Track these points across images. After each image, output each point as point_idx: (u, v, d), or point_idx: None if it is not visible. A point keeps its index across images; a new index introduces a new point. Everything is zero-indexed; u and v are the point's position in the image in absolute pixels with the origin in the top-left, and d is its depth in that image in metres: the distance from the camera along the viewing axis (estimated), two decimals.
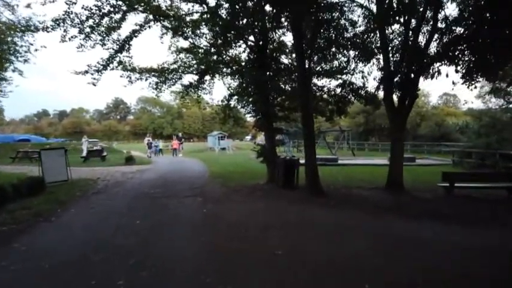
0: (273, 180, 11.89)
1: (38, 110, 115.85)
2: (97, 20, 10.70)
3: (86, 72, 11.61)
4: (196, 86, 14.86)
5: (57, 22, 10.40)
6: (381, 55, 12.69)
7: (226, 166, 20.01)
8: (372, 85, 13.64)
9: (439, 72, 11.28)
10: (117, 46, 11.58)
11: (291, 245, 5.62)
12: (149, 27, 11.66)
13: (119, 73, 13.36)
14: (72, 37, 10.62)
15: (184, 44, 13.74)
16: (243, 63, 12.87)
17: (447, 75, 10.94)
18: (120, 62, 12.16)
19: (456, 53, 9.68)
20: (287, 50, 13.63)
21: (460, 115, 43.82)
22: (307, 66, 10.98)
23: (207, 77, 14.76)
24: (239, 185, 12.21)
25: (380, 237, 6.21)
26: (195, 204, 8.92)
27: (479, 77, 10.48)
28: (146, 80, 14.20)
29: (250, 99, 12.60)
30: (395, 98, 11.71)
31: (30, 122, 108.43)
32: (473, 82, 10.62)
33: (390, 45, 11.54)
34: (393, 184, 10.61)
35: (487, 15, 8.93)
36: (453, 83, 10.58)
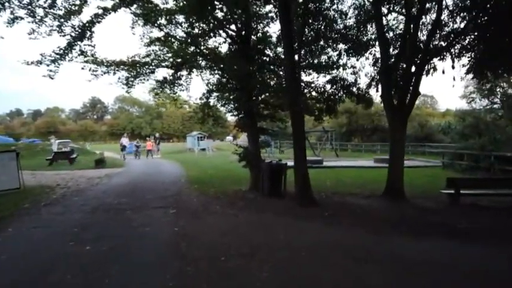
0: (256, 187, 10.57)
1: (11, 109, 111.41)
2: (50, 1, 9.10)
3: (40, 62, 9.97)
4: (171, 82, 13.39)
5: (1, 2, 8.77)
6: (375, 48, 11.66)
7: (206, 169, 18.58)
8: (364, 82, 12.02)
9: (434, 69, 10.29)
10: (77, 33, 9.99)
11: (281, 280, 4.29)
12: (114, 11, 10.11)
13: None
14: (17, 18, 8.98)
15: (158, 34, 12.19)
16: (224, 56, 11.48)
17: (443, 72, 9.96)
18: (81, 52, 10.56)
19: (464, 44, 8.61)
20: (272, 43, 12.33)
21: (438, 116, 43.61)
22: (296, 59, 9.76)
23: (184, 72, 13.31)
24: (219, 192, 10.82)
25: (389, 262, 4.96)
26: (165, 218, 7.47)
27: (488, 71, 9.52)
28: (114, 74, 12.64)
29: (232, 96, 11.24)
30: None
31: (2, 121, 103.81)
32: (481, 77, 9.66)
33: (388, 35, 10.41)
34: (392, 190, 9.46)
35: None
36: (452, 67, 9.54)
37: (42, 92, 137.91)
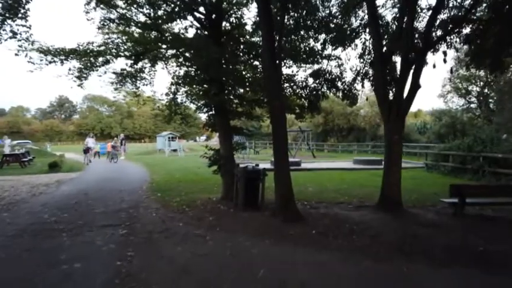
0: (229, 196, 8.98)
1: None
2: None
3: None
4: (133, 75, 11.58)
5: None
6: (364, 35, 10.35)
7: (174, 172, 16.79)
8: (350, 76, 10.64)
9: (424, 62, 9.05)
10: (5, 10, 8.07)
11: None
12: None
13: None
14: None
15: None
16: (189, 41, 9.80)
17: (434, 66, 8.70)
18: (13, 34, 8.60)
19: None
20: (247, 32, 10.76)
21: (410, 116, 43.40)
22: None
23: (147, 64, 11.54)
24: (185, 202, 9.14)
25: None
26: (109, 245, 5.71)
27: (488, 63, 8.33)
28: (62, 63, 10.70)
29: (201, 90, 9.60)
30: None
31: None
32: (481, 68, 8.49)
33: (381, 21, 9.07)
34: (388, 200, 8.08)
35: None
36: (444, 60, 8.31)
37: (7, 91, 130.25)
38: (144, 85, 12.21)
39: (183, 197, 10.10)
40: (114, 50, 10.86)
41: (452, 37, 8.14)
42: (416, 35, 8.28)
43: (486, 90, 28.88)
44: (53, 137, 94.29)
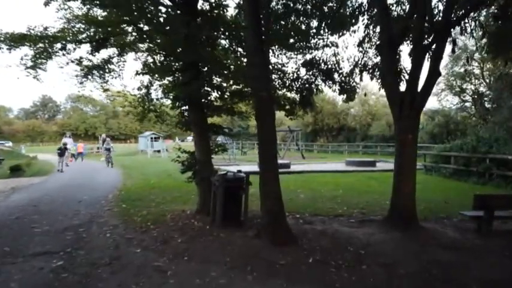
0: (205, 208, 7.39)
1: None
2: None
3: None
4: (100, 66, 9.89)
5: None
6: (364, 17, 8.92)
7: (150, 176, 15.09)
8: (347, 66, 9.11)
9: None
10: None
11: None
12: None
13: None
14: None
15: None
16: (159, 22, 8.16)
17: (453, 51, 7.32)
18: None
19: None
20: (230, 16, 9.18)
21: None
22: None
23: (115, 53, 9.86)
24: (152, 217, 7.51)
25: None
26: None
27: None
28: (10, 51, 8.97)
29: (173, 80, 8.00)
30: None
31: None
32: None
33: None
34: (400, 213, 6.57)
35: None
36: (453, 50, 6.90)
37: None
38: (112, 78, 10.50)
39: (153, 208, 8.48)
40: (72, 35, 9.15)
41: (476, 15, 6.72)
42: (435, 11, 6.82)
43: (482, 89, 27.84)
44: (35, 137, 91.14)
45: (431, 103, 38.58)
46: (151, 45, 8.66)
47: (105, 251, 5.40)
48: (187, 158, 7.81)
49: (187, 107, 7.72)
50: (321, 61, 9.26)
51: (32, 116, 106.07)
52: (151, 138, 36.03)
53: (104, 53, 10.50)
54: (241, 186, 6.78)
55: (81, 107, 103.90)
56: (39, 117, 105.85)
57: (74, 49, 9.53)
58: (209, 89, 7.74)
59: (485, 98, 27.43)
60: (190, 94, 7.01)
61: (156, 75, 8.91)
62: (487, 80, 27.16)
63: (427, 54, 6.61)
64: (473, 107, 28.63)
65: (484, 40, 8.08)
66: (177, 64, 8.08)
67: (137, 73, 8.11)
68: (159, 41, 8.29)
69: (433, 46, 6.41)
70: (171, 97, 7.99)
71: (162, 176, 15.23)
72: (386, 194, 11.03)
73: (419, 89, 6.51)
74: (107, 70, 10.13)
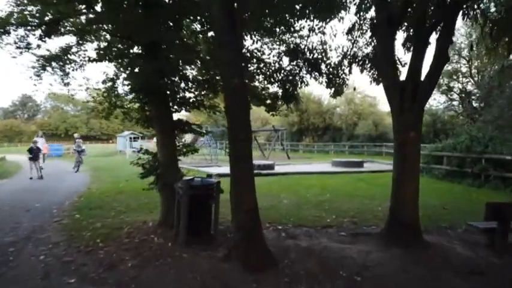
0: (169, 220, 6.18)
1: None
2: None
3: None
4: (59, 56, 8.56)
5: None
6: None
7: (121, 179, 13.73)
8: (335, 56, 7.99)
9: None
10: None
11: None
12: None
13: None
14: None
15: None
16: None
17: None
18: None
19: None
20: None
21: (386, 115, 41.73)
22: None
23: (72, 40, 8.54)
24: (105, 231, 6.25)
25: None
26: None
27: None
28: None
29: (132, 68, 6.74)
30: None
31: None
32: None
33: None
34: (400, 224, 5.48)
35: None
36: (471, 47, 5.91)
37: None
38: (73, 70, 9.16)
39: (110, 219, 7.23)
40: (19, 18, 7.80)
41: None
42: None
43: (469, 87, 27.31)
44: (13, 137, 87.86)
45: None
46: (105, 26, 7.37)
47: (27, 283, 4.16)
48: (149, 160, 6.60)
49: (147, 99, 6.48)
50: (306, 50, 8.19)
51: (11, 115, 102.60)
52: (130, 138, 34.47)
53: (61, 41, 9.17)
54: (210, 194, 5.62)
55: (61, 106, 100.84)
56: (18, 117, 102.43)
57: (26, 36, 8.14)
58: (174, 79, 6.52)
59: (473, 97, 26.93)
60: (150, 84, 5.79)
61: (117, 64, 7.66)
62: (475, 78, 26.65)
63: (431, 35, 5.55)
64: (460, 105, 28.10)
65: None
66: (136, 48, 6.85)
67: (89, 60, 6.86)
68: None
69: (441, 24, 5.35)
70: (127, 85, 6.71)
71: (134, 178, 13.84)
72: (377, 197, 10.08)
73: (422, 77, 5.46)
74: (66, 61, 8.79)
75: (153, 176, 6.51)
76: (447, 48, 5.32)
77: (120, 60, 7.03)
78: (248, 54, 7.44)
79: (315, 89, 43.80)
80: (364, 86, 42.36)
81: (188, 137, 26.33)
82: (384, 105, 37.61)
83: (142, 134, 36.81)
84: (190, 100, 6.66)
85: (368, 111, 38.03)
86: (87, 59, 6.97)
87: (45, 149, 23.10)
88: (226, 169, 17.09)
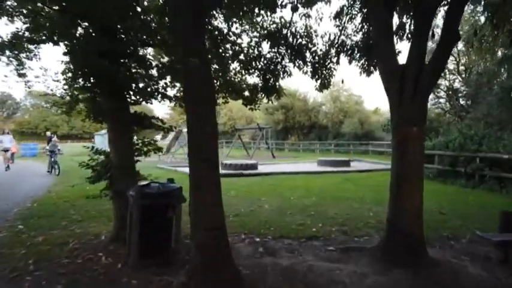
0: (123, 234, 5.07)
1: None
2: None
3: None
4: (12, 43, 7.33)
5: None
6: None
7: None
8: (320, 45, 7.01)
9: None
10: None
11: None
12: None
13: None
14: None
15: None
16: None
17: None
18: None
19: None
20: None
21: (371, 113, 41.14)
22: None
23: (23, 26, 7.32)
24: (44, 247, 5.13)
25: None
26: None
27: None
28: None
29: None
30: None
31: None
32: None
33: None
34: (402, 237, 4.50)
35: None
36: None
37: None
38: (28, 59, 7.94)
39: (57, 231, 6.11)
40: None
41: None
42: None
43: (456, 84, 26.84)
44: None
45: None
46: None
47: None
48: (100, 162, 5.51)
49: (95, 88, 5.36)
50: (288, 34, 7.21)
51: None
52: None
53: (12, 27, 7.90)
54: (170, 204, 4.56)
55: (42, 104, 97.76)
56: None
57: None
58: (128, 63, 5.40)
59: (460, 94, 26.47)
60: (94, 68, 4.69)
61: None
62: (463, 76, 26.18)
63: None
64: (447, 103, 27.61)
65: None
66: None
67: (26, 40, 5.69)
68: None
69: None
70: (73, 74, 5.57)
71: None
72: (367, 201, 9.19)
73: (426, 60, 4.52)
74: (22, 49, 7.58)
75: (105, 180, 5.41)
76: (458, 23, 4.39)
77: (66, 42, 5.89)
78: (220, 37, 6.37)
79: (301, 86, 43.10)
80: (350, 84, 41.89)
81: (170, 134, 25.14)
82: (369, 104, 37.10)
83: None
84: (149, 89, 5.54)
85: (354, 109, 37.40)
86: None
87: (14, 148, 21.48)
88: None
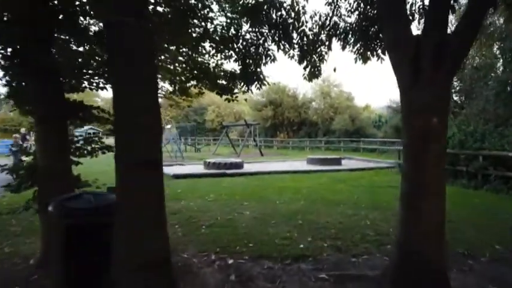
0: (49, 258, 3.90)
1: None
2: None
3: None
4: None
5: None
6: None
7: None
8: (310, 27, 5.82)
9: None
10: None
11: None
12: None
13: None
14: None
15: None
16: None
17: None
18: None
19: None
20: None
21: (359, 110, 40.24)
22: None
23: None
24: None
25: None
26: None
27: None
28: None
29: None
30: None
31: None
32: None
33: None
34: (418, 262, 3.36)
35: None
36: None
37: None
38: None
39: None
40: None
41: None
42: None
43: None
44: None
45: (396, 94, 36.80)
46: None
47: None
48: (25, 165, 4.28)
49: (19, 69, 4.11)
50: (271, 10, 6.05)
51: None
52: (90, 134, 31.44)
53: None
54: (107, 223, 3.37)
55: None
56: None
57: None
58: (56, 33, 4.16)
59: (453, 90, 25.64)
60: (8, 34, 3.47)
61: None
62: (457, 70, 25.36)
63: None
64: None
65: None
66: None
67: None
68: None
69: None
70: None
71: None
72: (362, 205, 8.11)
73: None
74: None
75: (28, 188, 4.20)
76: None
77: None
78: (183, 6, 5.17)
79: (291, 82, 42.10)
80: (341, 79, 40.95)
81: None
82: (360, 100, 36.27)
83: (100, 130, 33.72)
84: (84, 71, 4.30)
85: (344, 105, 36.47)
86: None
87: None
88: (189, 168, 14.92)
